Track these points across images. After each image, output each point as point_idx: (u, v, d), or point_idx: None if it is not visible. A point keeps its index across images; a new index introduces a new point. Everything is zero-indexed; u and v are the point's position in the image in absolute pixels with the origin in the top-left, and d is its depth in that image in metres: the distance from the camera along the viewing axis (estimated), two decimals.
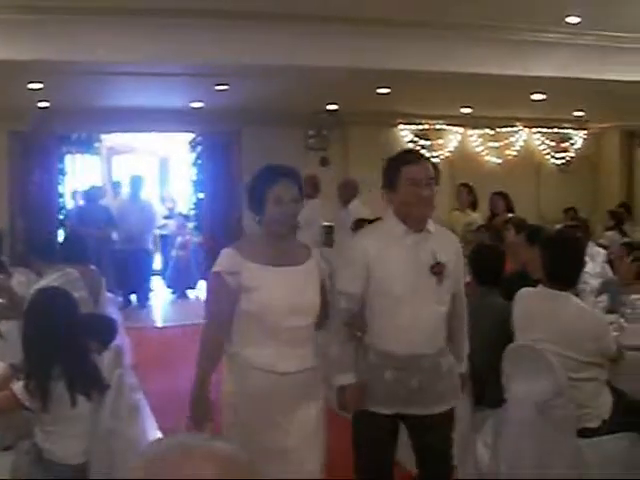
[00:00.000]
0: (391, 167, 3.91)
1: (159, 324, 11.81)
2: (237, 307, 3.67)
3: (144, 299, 12.93)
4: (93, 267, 7.47)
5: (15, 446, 4.02)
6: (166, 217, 14.83)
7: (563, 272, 4.55)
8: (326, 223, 10.53)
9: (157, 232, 14.43)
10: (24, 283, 6.91)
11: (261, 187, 3.70)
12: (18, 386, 3.75)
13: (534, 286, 4.73)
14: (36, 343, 3.81)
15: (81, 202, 13.34)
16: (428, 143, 13.67)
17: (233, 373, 3.74)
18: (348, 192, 10.13)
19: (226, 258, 3.69)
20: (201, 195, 13.68)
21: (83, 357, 3.87)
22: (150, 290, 13.55)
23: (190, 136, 14.16)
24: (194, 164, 14.29)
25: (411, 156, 4.00)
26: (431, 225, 3.90)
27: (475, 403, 4.90)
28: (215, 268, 3.71)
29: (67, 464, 3.83)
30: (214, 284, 3.77)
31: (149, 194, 14.58)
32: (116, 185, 14.67)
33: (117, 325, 5.18)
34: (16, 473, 3.87)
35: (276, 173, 3.74)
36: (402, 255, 3.81)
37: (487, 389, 4.80)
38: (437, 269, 3.78)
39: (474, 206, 9.75)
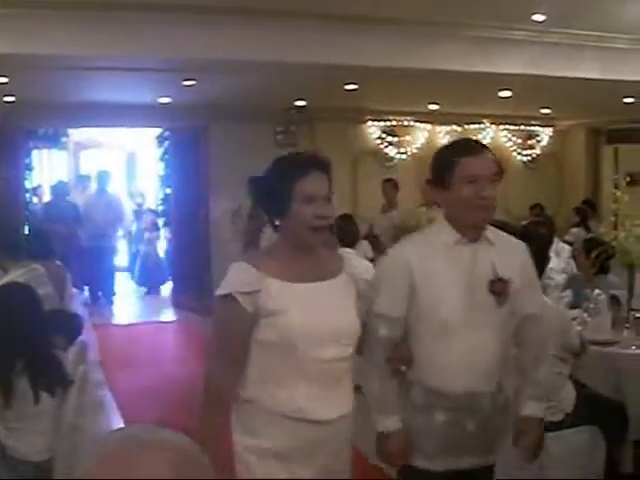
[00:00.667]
0: (444, 159, 3.18)
1: (126, 321, 11.77)
2: (253, 338, 2.88)
3: (111, 295, 12.87)
4: (59, 263, 7.45)
5: None
6: (135, 212, 14.82)
7: None
8: None
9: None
10: None
11: (286, 181, 2.88)
12: None
13: None
14: None
15: (46, 198, 13.27)
16: (396, 140, 13.68)
17: (247, 423, 2.94)
18: None
19: (240, 274, 2.87)
20: (168, 190, 13.63)
21: (46, 353, 3.85)
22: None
23: (157, 131, 14.11)
24: (161, 159, 14.25)
25: (471, 146, 3.21)
26: (491, 232, 3.25)
27: None
28: (224, 289, 2.86)
29: (31, 461, 3.81)
30: (223, 310, 2.91)
31: (117, 189, 14.53)
32: (84, 179, 14.58)
33: (82, 321, 5.16)
34: None
35: (306, 163, 2.96)
36: (453, 270, 3.11)
37: None
38: (498, 287, 3.10)
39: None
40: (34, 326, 3.84)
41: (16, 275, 6.24)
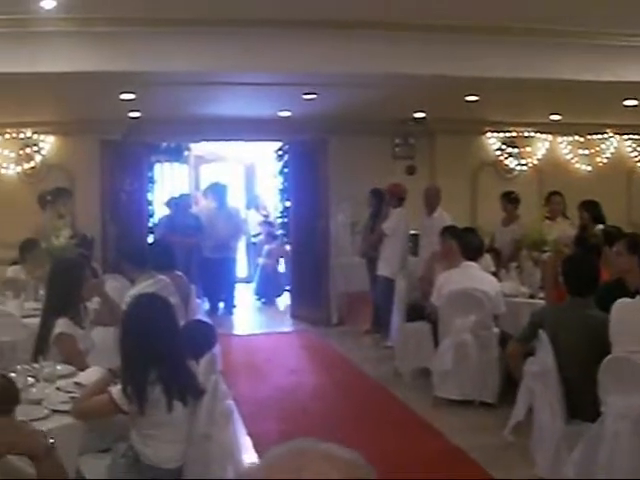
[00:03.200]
0: None
1: (246, 331, 11.92)
2: None
3: (231, 306, 13.08)
4: (180, 274, 7.61)
5: (112, 449, 4.09)
6: (263, 224, 15.04)
7: None
8: (412, 232, 10.51)
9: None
10: (117, 289, 7.07)
11: None
12: (116, 390, 3.82)
13: (632, 297, 4.62)
14: (134, 348, 3.87)
15: (169, 210, 13.57)
16: (516, 151, 13.48)
17: None
18: (434, 200, 10.09)
19: None
20: (288, 203, 13.75)
21: (180, 363, 3.92)
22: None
23: (277, 145, 14.27)
24: (280, 172, 14.40)
25: None
26: None
27: (569, 416, 4.81)
28: None
29: (163, 468, 3.88)
30: None
31: (236, 202, 14.76)
32: (206, 192, 14.75)
33: (216, 333, 5.26)
34: (113, 475, 3.94)
35: None
36: None
37: (582, 402, 4.71)
38: None
39: (564, 215, 9.58)
40: (169, 336, 3.92)
41: (143, 286, 6.41)
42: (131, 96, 9.71)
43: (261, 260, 14.41)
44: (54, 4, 7.21)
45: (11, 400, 3.33)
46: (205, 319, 7.03)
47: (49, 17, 7.48)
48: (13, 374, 4.04)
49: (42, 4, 7.19)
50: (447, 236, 7.99)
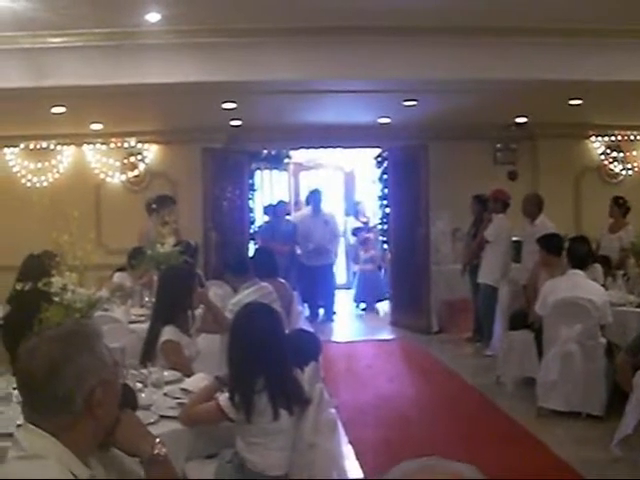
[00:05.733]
0: None
1: (345, 338, 11.91)
2: None
3: (331, 314, 13.09)
4: (283, 281, 7.65)
5: (218, 455, 4.13)
6: (358, 230, 15.00)
7: None
8: (515, 238, 10.33)
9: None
10: (220, 296, 7.17)
11: None
12: (223, 398, 3.86)
13: None
14: (242, 357, 3.90)
15: (267, 217, 13.67)
16: (621, 155, 13.16)
17: None
18: (533, 207, 9.87)
19: None
20: (387, 210, 13.70)
21: (286, 372, 3.94)
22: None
23: (376, 151, 14.25)
24: (380, 179, 14.37)
25: None
26: None
27: None
28: None
29: (268, 475, 3.90)
30: None
31: (335, 209, 14.77)
32: (306, 199, 14.76)
33: (321, 342, 5.27)
34: None
35: None
36: None
37: None
38: None
39: None
40: (275, 345, 3.94)
41: (246, 294, 6.46)
42: (232, 105, 9.86)
43: (359, 267, 14.39)
44: (158, 17, 7.39)
45: (129, 405, 3.38)
46: (307, 327, 7.06)
47: (153, 30, 7.66)
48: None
49: (147, 17, 7.38)
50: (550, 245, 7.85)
